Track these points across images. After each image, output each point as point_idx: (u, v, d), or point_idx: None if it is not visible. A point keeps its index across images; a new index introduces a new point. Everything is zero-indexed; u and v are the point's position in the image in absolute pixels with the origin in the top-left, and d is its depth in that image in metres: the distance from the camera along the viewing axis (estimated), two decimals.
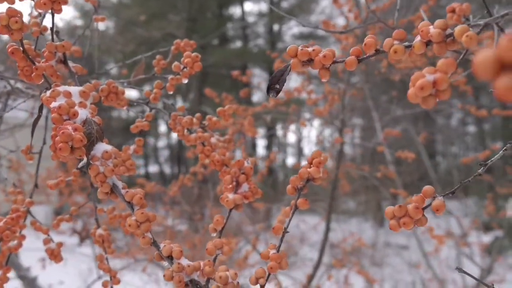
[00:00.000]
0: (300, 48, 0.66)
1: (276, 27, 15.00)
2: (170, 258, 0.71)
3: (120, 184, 0.76)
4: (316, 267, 2.18)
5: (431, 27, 0.56)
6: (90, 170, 0.74)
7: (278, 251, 0.74)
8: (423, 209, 0.61)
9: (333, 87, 2.26)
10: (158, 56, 1.09)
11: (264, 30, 15.01)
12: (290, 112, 2.47)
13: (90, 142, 0.74)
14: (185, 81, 0.94)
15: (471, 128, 15.96)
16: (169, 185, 2.63)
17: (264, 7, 15.97)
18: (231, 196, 0.83)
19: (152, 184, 2.91)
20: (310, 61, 0.65)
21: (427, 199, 0.62)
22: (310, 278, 2.11)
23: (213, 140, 1.00)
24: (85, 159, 0.76)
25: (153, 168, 16.47)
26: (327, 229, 2.19)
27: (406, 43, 0.59)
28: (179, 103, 15.39)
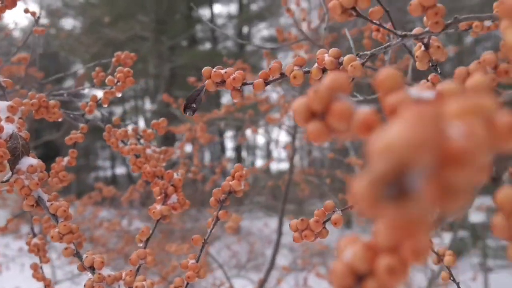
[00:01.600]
0: (213, 70, 0.70)
1: (245, 29, 15.06)
2: (92, 268, 0.74)
3: (45, 196, 0.78)
4: (269, 271, 2.22)
5: (326, 55, 0.61)
6: (15, 183, 0.76)
7: (197, 261, 0.77)
8: (324, 222, 0.66)
9: (286, 94, 2.32)
10: (97, 68, 1.11)
11: (234, 32, 15.04)
12: (247, 119, 2.52)
13: (16, 156, 0.77)
14: (119, 94, 0.96)
15: None
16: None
17: (233, 9, 16.01)
18: (158, 207, 0.87)
19: (110, 188, 2.91)
20: (223, 82, 0.69)
21: (328, 213, 0.67)
22: (262, 282, 2.16)
23: (148, 151, 1.03)
24: (9, 173, 0.78)
25: (120, 170, 16.28)
26: (279, 234, 2.24)
27: (306, 69, 0.63)
28: (147, 104, 15.30)
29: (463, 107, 0.20)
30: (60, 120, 0.98)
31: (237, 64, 2.17)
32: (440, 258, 0.78)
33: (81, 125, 0.99)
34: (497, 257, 6.85)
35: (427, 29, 0.54)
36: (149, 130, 1.03)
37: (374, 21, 0.55)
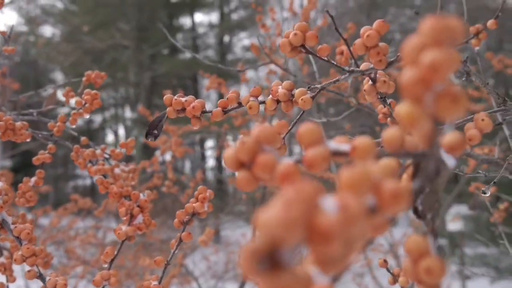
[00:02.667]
0: (174, 98, 0.72)
1: (226, 38, 15.12)
2: None
3: (9, 219, 0.79)
4: (243, 282, 2.24)
5: (280, 87, 0.64)
6: None
7: (159, 282, 0.79)
8: None
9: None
10: (67, 88, 1.12)
11: (215, 41, 15.09)
12: (223, 131, 2.54)
13: None
14: (87, 116, 0.98)
15: None
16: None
17: (214, 18, 16.07)
18: (123, 228, 0.88)
19: (86, 200, 2.90)
20: (184, 110, 0.71)
21: None
22: None
23: (117, 170, 1.04)
24: None
25: None
26: None
27: (261, 99, 0.66)
28: (128, 112, 15.21)
29: (351, 177, 0.23)
30: (28, 140, 0.99)
31: (211, 79, 2.20)
32: (395, 278, 0.81)
33: (49, 145, 1.00)
34: (475, 265, 6.96)
35: (371, 66, 0.57)
36: (117, 150, 1.04)
37: (323, 57, 0.58)
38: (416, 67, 0.23)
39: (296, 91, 0.61)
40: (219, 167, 14.19)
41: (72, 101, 1.12)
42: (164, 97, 0.72)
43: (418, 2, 12.12)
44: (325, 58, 0.59)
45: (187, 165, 15.13)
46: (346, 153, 0.31)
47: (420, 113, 0.24)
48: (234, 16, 14.52)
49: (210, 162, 15.09)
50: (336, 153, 0.31)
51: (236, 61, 11.61)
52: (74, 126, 1.01)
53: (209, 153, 15.06)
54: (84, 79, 1.15)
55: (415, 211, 0.43)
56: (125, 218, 0.90)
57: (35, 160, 1.00)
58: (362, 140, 0.31)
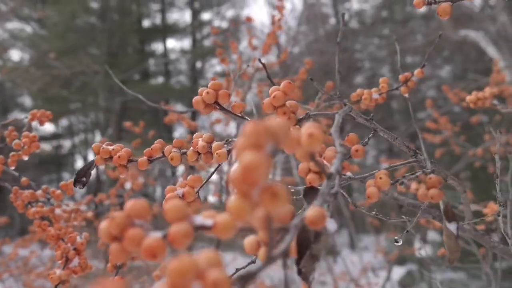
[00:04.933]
0: (102, 147, 0.74)
1: (198, 64, 15.21)
2: None
3: None
4: None
5: (200, 139, 0.66)
6: None
7: None
8: None
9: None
10: (10, 127, 1.13)
11: (187, 67, 15.16)
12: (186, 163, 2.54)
13: None
14: (26, 158, 0.98)
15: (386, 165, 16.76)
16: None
17: (187, 44, 16.17)
18: (58, 272, 0.88)
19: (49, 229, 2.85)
20: (111, 158, 0.73)
21: None
22: None
23: (57, 211, 1.04)
24: None
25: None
26: None
27: (184, 150, 0.68)
28: (98, 137, 15.03)
29: (178, 266, 0.25)
30: None
31: (171, 114, 2.22)
32: None
33: None
34: None
35: None
36: (58, 191, 1.04)
37: (236, 114, 0.61)
38: (239, 166, 0.25)
39: (213, 145, 0.63)
40: None
41: (15, 141, 1.12)
42: (93, 146, 0.74)
43: (387, 31, 12.46)
44: (239, 115, 0.62)
45: (158, 191, 14.97)
46: (209, 227, 0.34)
47: (246, 206, 0.27)
48: (206, 43, 14.64)
49: None
50: (201, 228, 0.34)
51: None
52: (13, 168, 1.01)
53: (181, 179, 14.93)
54: (29, 117, 1.16)
55: (299, 273, 0.45)
56: (60, 261, 0.90)
57: None
58: (223, 217, 0.33)
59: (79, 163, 15.58)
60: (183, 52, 15.02)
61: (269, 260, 0.30)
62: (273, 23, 2.42)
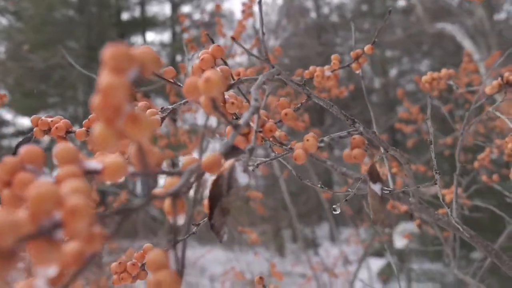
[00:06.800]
0: (41, 118, 0.72)
1: (178, 57, 15.11)
2: None
3: None
4: None
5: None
6: None
7: None
8: (142, 265, 0.70)
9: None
10: None
11: (167, 60, 15.04)
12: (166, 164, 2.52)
13: None
14: None
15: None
16: None
17: (166, 37, 16.05)
18: None
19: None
20: (49, 130, 0.72)
21: (146, 256, 0.70)
22: None
23: None
24: None
25: None
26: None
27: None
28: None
29: (37, 194, 0.25)
30: None
31: (141, 104, 2.20)
32: None
33: None
34: (421, 281, 7.14)
35: None
36: None
37: (168, 80, 0.60)
38: (99, 94, 0.25)
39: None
40: None
41: None
42: (31, 118, 0.73)
43: (367, 25, 12.52)
44: (170, 80, 0.61)
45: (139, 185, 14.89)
46: (98, 171, 0.33)
47: (110, 134, 0.26)
48: (186, 36, 14.55)
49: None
50: (90, 172, 0.33)
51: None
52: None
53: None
54: None
55: (211, 227, 0.45)
56: None
57: None
58: (113, 160, 0.33)
59: None
60: (162, 45, 14.90)
61: (150, 199, 0.30)
62: (243, 11, 2.41)
